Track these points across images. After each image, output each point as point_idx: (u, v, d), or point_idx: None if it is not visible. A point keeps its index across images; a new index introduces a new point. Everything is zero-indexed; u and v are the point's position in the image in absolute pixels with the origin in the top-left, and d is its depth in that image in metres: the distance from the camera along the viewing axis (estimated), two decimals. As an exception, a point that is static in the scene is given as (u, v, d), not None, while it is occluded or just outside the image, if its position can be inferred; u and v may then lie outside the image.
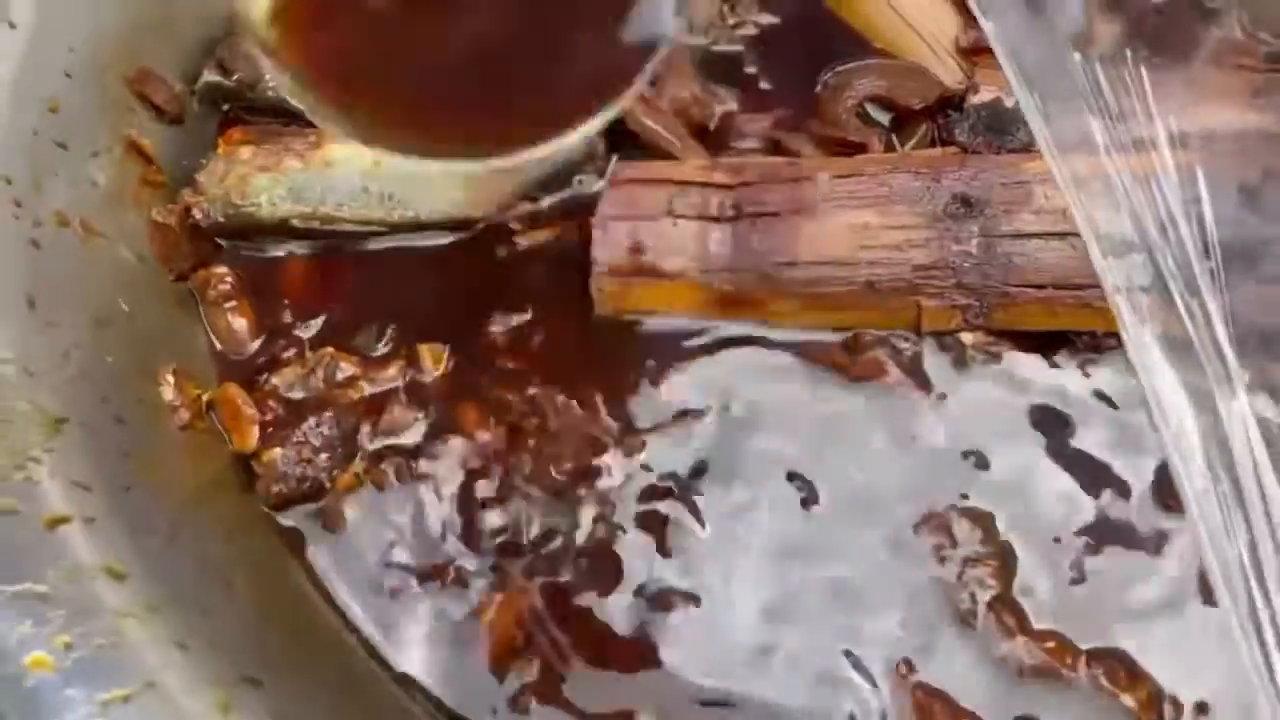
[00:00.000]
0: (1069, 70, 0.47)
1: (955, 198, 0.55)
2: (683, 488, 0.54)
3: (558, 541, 0.53)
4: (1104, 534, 0.52)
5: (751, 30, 0.65)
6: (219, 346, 0.57)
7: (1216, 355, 0.45)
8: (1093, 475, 0.53)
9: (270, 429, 0.54)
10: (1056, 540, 0.52)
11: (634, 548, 0.53)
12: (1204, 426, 0.42)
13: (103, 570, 0.41)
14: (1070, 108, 0.47)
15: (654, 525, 0.53)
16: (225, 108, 0.62)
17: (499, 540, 0.53)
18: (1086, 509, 0.52)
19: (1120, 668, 0.49)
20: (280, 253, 0.59)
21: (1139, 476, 0.53)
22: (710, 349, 0.56)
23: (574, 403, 0.56)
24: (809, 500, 0.53)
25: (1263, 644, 0.35)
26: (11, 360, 0.43)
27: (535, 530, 0.53)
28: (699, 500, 0.53)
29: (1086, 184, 0.47)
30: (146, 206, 0.57)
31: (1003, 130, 0.58)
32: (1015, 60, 0.49)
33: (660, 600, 0.52)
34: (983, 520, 0.52)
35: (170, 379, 0.52)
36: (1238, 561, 0.37)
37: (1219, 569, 0.35)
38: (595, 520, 0.53)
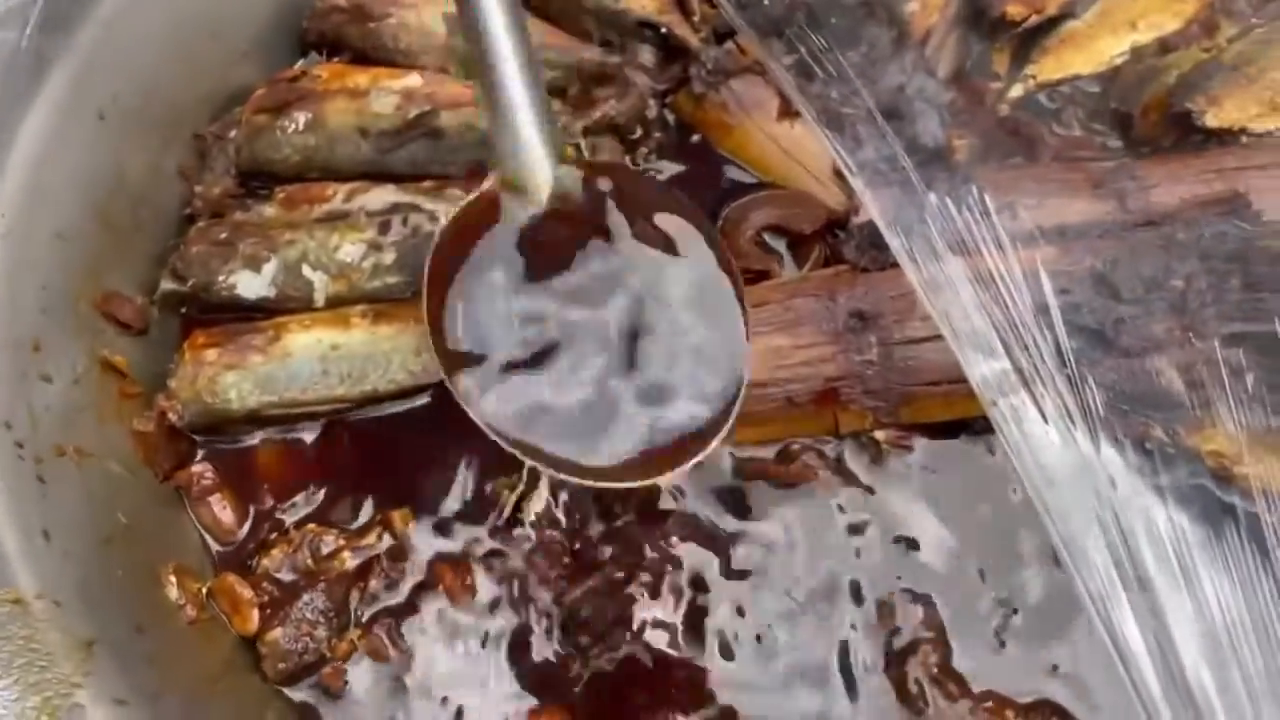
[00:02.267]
0: (924, 207, 0.54)
1: (852, 314, 0.62)
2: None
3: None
4: (1025, 595, 0.58)
5: (657, 178, 0.72)
6: (209, 538, 0.61)
7: (1083, 427, 0.51)
8: (1008, 542, 0.59)
9: (268, 610, 0.58)
10: (984, 606, 0.58)
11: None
12: (1075, 490, 0.48)
13: (154, 780, 0.45)
14: (926, 237, 0.55)
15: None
16: (183, 309, 0.67)
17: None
18: (1011, 572, 0.58)
19: (1055, 716, 0.54)
20: (254, 440, 0.64)
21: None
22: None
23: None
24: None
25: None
26: (42, 595, 0.47)
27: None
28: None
29: (943, 294, 0.54)
30: (127, 418, 0.61)
31: (883, 246, 0.64)
32: (878, 200, 0.57)
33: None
34: (920, 599, 0.58)
35: (172, 578, 0.57)
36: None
37: (1105, 632, 0.41)
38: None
